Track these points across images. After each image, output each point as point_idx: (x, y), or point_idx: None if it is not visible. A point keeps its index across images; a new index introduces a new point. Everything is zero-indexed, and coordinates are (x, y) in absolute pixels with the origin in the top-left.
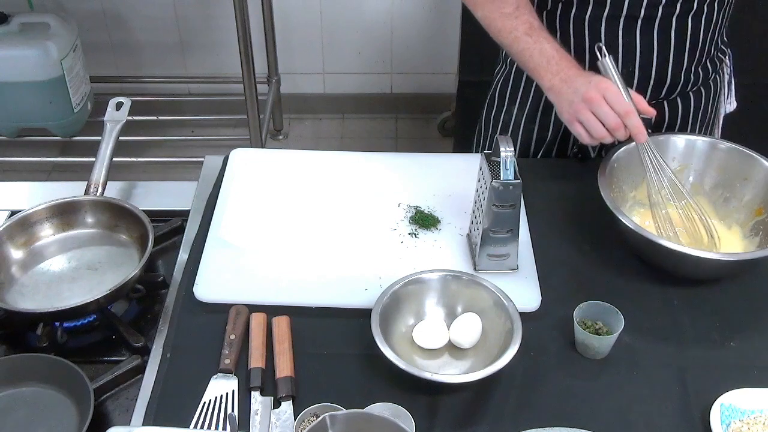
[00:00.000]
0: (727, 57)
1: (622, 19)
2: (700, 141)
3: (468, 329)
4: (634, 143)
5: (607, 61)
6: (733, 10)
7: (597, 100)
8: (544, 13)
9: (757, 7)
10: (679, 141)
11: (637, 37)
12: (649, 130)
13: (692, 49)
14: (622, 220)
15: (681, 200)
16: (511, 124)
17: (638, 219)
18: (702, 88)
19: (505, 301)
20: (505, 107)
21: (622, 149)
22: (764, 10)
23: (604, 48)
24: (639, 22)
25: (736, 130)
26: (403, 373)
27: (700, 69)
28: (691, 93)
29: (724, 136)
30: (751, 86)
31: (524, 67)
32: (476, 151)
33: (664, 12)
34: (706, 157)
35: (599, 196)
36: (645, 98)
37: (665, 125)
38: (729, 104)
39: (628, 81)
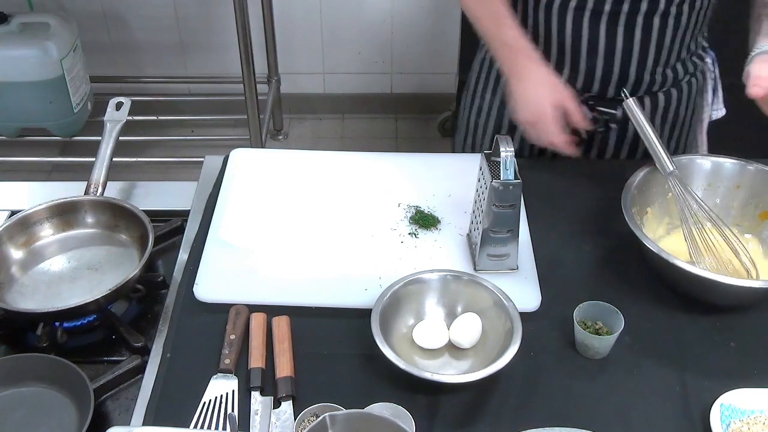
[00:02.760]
0: (710, 61)
1: (587, 12)
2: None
3: (468, 329)
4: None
5: (630, 103)
6: (724, 12)
7: (532, 125)
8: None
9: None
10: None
11: (601, 31)
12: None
13: (658, 49)
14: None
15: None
16: (484, 108)
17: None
18: (673, 90)
19: (505, 301)
20: (479, 92)
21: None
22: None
23: (625, 91)
24: (604, 17)
25: (727, 135)
26: (403, 373)
27: (668, 70)
28: (660, 93)
29: (712, 143)
30: (742, 89)
31: (494, 55)
32: (456, 139)
33: (629, 9)
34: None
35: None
36: (609, 94)
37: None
38: (716, 111)
39: (589, 75)
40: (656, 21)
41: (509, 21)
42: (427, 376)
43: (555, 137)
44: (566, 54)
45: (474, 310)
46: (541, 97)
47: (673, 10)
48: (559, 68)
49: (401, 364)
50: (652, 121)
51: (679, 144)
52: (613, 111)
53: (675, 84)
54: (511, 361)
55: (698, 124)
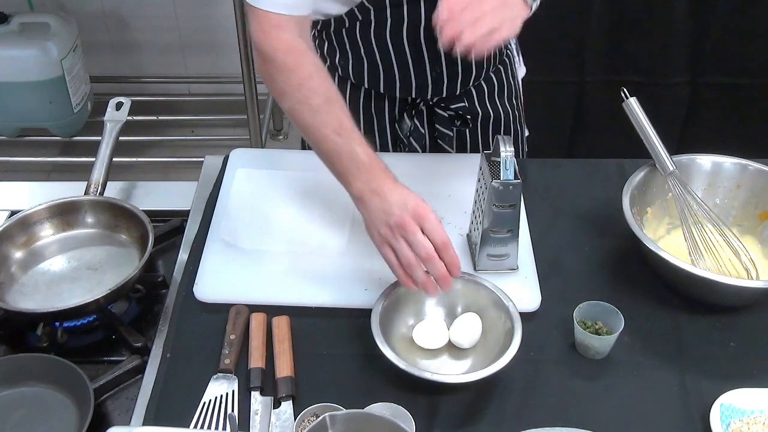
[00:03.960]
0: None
1: (405, 33)
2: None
3: (468, 329)
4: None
5: (631, 102)
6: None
7: (411, 227)
8: (343, 30)
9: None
10: (706, 162)
11: (422, 43)
12: None
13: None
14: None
15: (712, 225)
16: None
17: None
18: (500, 66)
19: (505, 301)
20: None
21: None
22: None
23: (625, 91)
24: (422, 32)
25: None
26: (403, 373)
27: (492, 57)
28: (482, 82)
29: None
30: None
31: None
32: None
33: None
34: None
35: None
36: (445, 93)
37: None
38: (520, 70)
39: (420, 83)
40: None
41: (357, 134)
42: (427, 376)
43: (422, 250)
44: (395, 68)
45: (474, 310)
46: (404, 209)
47: None
48: (387, 81)
49: (401, 364)
50: (487, 102)
51: (517, 113)
52: (462, 103)
53: (500, 60)
54: (511, 361)
55: (517, 86)
